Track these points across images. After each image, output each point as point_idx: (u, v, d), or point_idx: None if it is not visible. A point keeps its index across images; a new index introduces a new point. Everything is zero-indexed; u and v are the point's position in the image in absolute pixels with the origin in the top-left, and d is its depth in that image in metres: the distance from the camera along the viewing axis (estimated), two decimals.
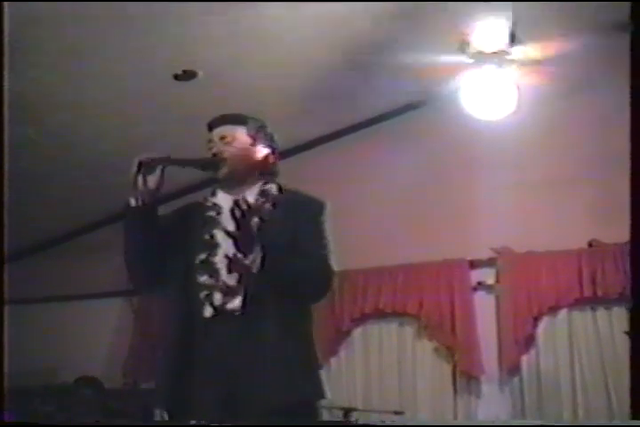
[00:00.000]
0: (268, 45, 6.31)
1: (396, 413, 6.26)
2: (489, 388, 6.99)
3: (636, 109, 3.53)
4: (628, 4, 6.45)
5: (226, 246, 3.11)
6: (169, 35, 5.95)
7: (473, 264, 7.24)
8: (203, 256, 3.19)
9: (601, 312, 6.81)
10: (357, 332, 7.48)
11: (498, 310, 7.13)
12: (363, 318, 7.43)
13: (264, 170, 3.42)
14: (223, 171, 3.31)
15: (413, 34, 6.28)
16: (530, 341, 6.92)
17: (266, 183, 3.38)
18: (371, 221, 7.31)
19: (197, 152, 7.85)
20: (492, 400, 6.95)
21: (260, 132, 3.48)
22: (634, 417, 3.77)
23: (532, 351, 6.92)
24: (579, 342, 6.80)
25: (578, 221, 6.93)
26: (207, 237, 3.24)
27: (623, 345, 6.52)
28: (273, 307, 3.09)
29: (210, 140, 3.41)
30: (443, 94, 7.06)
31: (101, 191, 8.16)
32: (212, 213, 3.31)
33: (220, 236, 3.18)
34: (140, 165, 3.16)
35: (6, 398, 4.44)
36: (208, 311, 3.11)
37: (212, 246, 3.21)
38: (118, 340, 8.41)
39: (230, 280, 3.12)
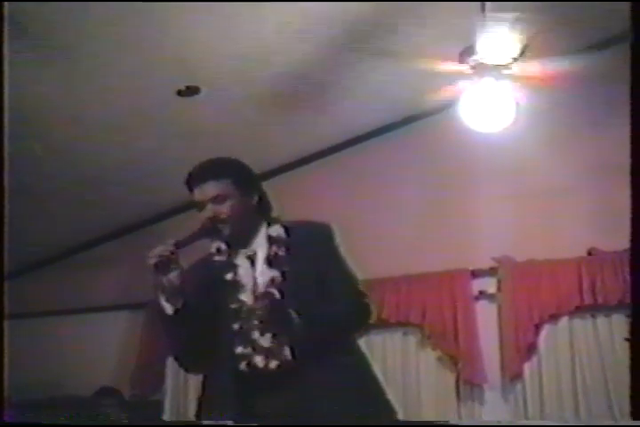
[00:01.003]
0: (270, 61, 6.36)
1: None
2: (492, 396, 7.03)
3: (635, 114, 3.57)
4: (625, 15, 6.58)
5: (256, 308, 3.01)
6: (172, 50, 6.00)
7: (474, 274, 7.28)
8: (237, 326, 3.05)
9: (601, 319, 6.85)
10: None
11: (500, 318, 7.16)
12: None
13: (261, 213, 3.23)
14: (227, 233, 3.13)
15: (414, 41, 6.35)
16: (532, 348, 6.96)
17: (269, 226, 3.20)
18: (372, 234, 7.34)
19: None
20: (495, 408, 6.98)
21: (245, 177, 3.24)
22: (634, 417, 3.79)
23: (534, 359, 6.96)
24: (580, 349, 6.84)
25: (577, 229, 6.98)
26: (236, 305, 3.08)
27: (624, 352, 6.56)
28: (317, 353, 2.98)
29: (199, 202, 3.18)
30: (442, 107, 7.10)
31: (103, 206, 8.21)
32: (231, 276, 3.14)
33: (247, 299, 3.07)
34: (156, 267, 3.00)
35: (11, 411, 4.44)
36: (247, 378, 3.01)
37: (245, 314, 3.05)
38: (123, 353, 8.44)
39: (264, 342, 3.00)
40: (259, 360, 2.99)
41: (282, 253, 3.11)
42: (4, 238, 3.97)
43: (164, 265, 3.00)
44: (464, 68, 6.06)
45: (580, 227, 6.99)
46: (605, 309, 6.82)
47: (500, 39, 5.90)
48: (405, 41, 6.27)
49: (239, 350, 3.02)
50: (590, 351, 6.81)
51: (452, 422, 6.87)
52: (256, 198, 3.21)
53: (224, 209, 3.11)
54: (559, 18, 6.38)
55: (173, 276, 3.01)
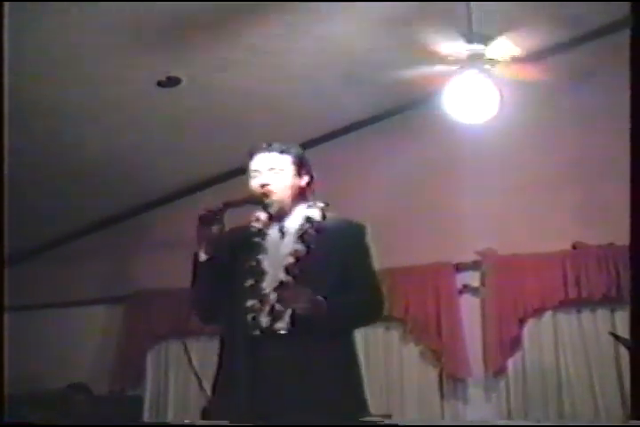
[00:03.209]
0: (252, 51, 6.31)
1: (384, 416, 6.27)
2: (475, 390, 7.00)
3: (635, 110, 3.54)
4: (610, 8, 6.57)
5: (274, 273, 3.31)
6: (153, 41, 5.95)
7: (458, 267, 7.26)
8: (251, 281, 3.33)
9: (586, 313, 6.83)
10: None
11: (483, 312, 7.14)
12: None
13: (305, 196, 3.55)
14: (271, 204, 3.41)
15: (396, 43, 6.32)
16: (515, 343, 6.93)
17: (309, 207, 3.51)
18: None
19: (182, 158, 7.90)
20: (478, 403, 6.97)
21: (303, 160, 3.61)
22: (634, 417, 3.78)
23: (518, 353, 6.94)
24: (564, 343, 6.82)
25: (561, 223, 6.96)
26: (253, 263, 3.37)
27: (608, 346, 6.57)
28: (319, 329, 3.20)
29: (255, 170, 3.50)
30: (425, 99, 7.07)
31: (86, 198, 8.16)
32: (258, 239, 3.43)
33: (267, 263, 3.36)
34: (201, 219, 3.30)
35: None
36: (253, 333, 3.25)
37: (260, 273, 3.34)
38: (104, 347, 8.40)
39: (278, 306, 3.25)
40: (265, 320, 3.25)
41: (312, 231, 3.39)
42: (4, 235, 4.00)
43: (208, 218, 3.29)
44: (449, 58, 6.03)
45: (564, 221, 6.97)
46: (590, 303, 6.80)
47: (486, 31, 5.90)
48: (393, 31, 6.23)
49: (251, 303, 3.29)
50: (575, 346, 6.79)
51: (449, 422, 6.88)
52: (306, 180, 3.55)
53: (278, 179, 3.45)
54: (545, 11, 6.36)
55: (214, 228, 3.30)
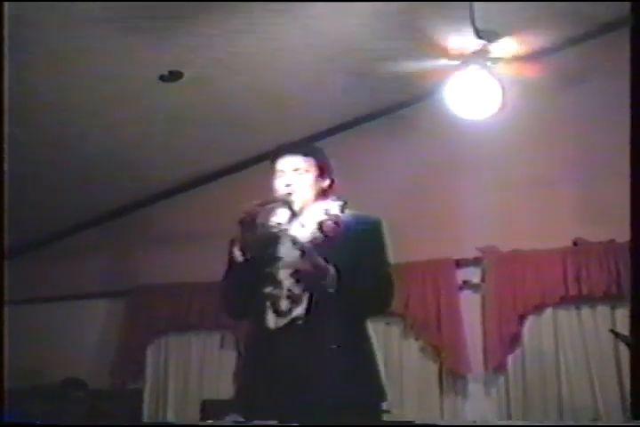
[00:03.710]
0: (254, 47, 6.31)
1: (383, 411, 6.27)
2: (475, 386, 7.01)
3: (635, 110, 3.54)
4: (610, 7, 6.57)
5: (290, 257, 3.38)
6: (155, 35, 5.94)
7: (459, 263, 7.26)
8: (268, 269, 3.43)
9: (586, 310, 6.83)
10: None
11: (483, 308, 7.14)
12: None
13: (326, 198, 3.61)
14: (297, 203, 3.49)
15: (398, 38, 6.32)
16: (515, 339, 6.94)
17: (327, 202, 3.58)
18: None
19: (183, 152, 7.91)
20: (477, 399, 6.97)
21: (326, 164, 3.67)
22: (634, 417, 3.78)
23: (518, 350, 6.94)
24: (564, 340, 6.82)
25: (562, 219, 6.96)
26: (271, 250, 3.45)
27: (608, 343, 6.57)
28: (335, 315, 3.31)
29: (280, 170, 3.57)
30: (427, 95, 7.07)
31: (88, 192, 8.16)
32: (275, 231, 3.47)
33: (283, 250, 3.44)
34: (242, 223, 3.37)
35: None
36: (273, 319, 3.35)
37: (276, 260, 3.43)
38: (104, 341, 8.41)
39: (296, 289, 3.34)
40: (284, 304, 3.34)
41: (330, 223, 3.47)
42: (4, 230, 3.99)
43: (247, 222, 3.36)
44: (453, 53, 6.03)
45: (565, 217, 6.97)
46: (590, 300, 6.80)
47: (488, 30, 5.91)
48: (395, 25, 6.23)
49: (268, 289, 3.39)
50: (575, 343, 6.79)
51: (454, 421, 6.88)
52: (327, 183, 3.63)
53: (302, 180, 3.54)
54: (546, 10, 6.36)
55: (252, 231, 3.38)
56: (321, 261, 3.27)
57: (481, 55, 5.94)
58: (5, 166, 4.65)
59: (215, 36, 6.06)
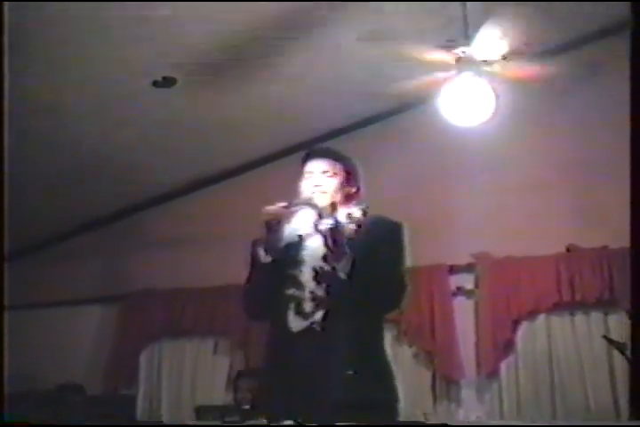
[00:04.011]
0: (248, 52, 6.33)
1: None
2: (468, 392, 7.02)
3: (635, 110, 3.55)
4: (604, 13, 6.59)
5: (311, 261, 3.44)
6: (149, 41, 5.95)
7: (452, 269, 7.27)
8: (291, 272, 3.47)
9: (579, 316, 6.85)
10: None
11: (477, 314, 7.16)
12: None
13: (350, 203, 3.65)
14: (324, 206, 3.49)
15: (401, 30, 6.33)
16: (509, 345, 6.95)
17: (352, 207, 3.57)
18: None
19: (178, 157, 7.89)
20: (470, 404, 6.99)
21: (354, 170, 3.77)
22: (634, 417, 3.79)
23: (511, 356, 6.96)
24: (557, 346, 6.84)
25: (556, 226, 6.98)
26: (294, 253, 3.50)
27: (601, 349, 6.58)
28: (352, 320, 3.34)
29: (309, 172, 3.64)
30: (421, 102, 7.07)
31: (82, 197, 8.16)
32: (300, 235, 3.54)
33: (305, 253, 3.49)
34: (267, 224, 3.41)
35: None
36: (295, 320, 3.38)
37: (299, 262, 3.48)
38: (98, 346, 8.40)
39: (319, 291, 3.38)
40: (309, 306, 3.37)
41: (352, 226, 3.43)
42: (4, 233, 3.99)
43: (273, 223, 3.41)
44: (446, 60, 6.03)
45: (558, 223, 6.99)
46: (583, 306, 6.82)
47: (484, 34, 5.90)
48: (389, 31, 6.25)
49: (291, 291, 3.43)
50: (568, 349, 6.81)
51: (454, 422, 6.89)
52: (354, 190, 3.73)
53: (330, 183, 3.62)
54: (542, 12, 6.38)
55: (278, 233, 3.44)
56: (343, 241, 3.31)
57: (474, 61, 5.94)
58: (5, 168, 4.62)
59: (210, 42, 6.08)
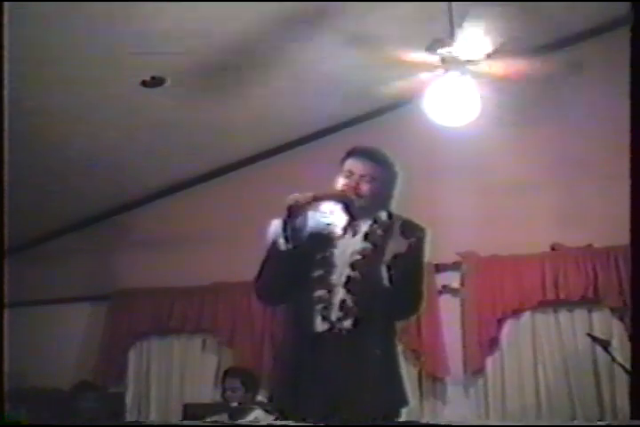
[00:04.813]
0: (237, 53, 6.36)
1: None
2: (454, 390, 7.06)
3: (635, 109, 3.58)
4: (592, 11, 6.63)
5: (342, 265, 3.45)
6: (138, 41, 5.97)
7: (438, 268, 7.26)
8: (320, 272, 3.45)
9: (563, 314, 6.90)
10: None
11: (463, 312, 7.20)
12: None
13: (384, 204, 3.65)
14: (355, 205, 3.53)
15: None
16: (494, 343, 7.00)
17: (380, 211, 3.61)
18: None
19: (165, 157, 7.88)
20: (457, 401, 7.03)
21: (393, 175, 3.71)
22: (634, 417, 3.82)
23: (497, 353, 7.00)
24: (542, 344, 6.89)
25: (541, 225, 7.03)
26: (325, 254, 3.49)
27: (585, 347, 6.63)
28: (377, 327, 3.40)
29: (349, 171, 3.60)
30: (406, 100, 7.10)
31: (69, 197, 8.16)
32: (329, 233, 3.53)
33: (336, 256, 3.47)
34: (290, 209, 3.37)
35: None
36: (321, 325, 3.39)
37: (330, 265, 3.46)
38: (87, 344, 8.40)
39: (349, 300, 3.39)
40: (335, 314, 3.38)
41: (379, 231, 3.53)
42: (4, 234, 3.99)
43: (295, 209, 3.38)
44: (431, 60, 6.06)
45: (543, 222, 7.04)
46: (568, 304, 6.87)
47: (467, 33, 5.92)
48: (374, 31, 6.26)
49: (320, 293, 3.41)
50: (552, 346, 6.86)
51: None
52: (389, 196, 3.68)
53: (366, 187, 3.56)
54: (528, 11, 6.41)
55: (300, 220, 3.41)
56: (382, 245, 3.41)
57: (459, 61, 5.96)
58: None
59: (199, 42, 6.10)
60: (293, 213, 3.37)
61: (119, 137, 7.31)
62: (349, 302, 3.37)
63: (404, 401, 3.49)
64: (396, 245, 3.44)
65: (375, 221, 3.56)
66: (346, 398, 3.28)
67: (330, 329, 3.36)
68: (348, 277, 3.40)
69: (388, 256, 3.40)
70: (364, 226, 3.54)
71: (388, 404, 3.39)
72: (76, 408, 7.04)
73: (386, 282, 3.36)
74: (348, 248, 3.47)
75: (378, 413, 3.30)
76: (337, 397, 3.29)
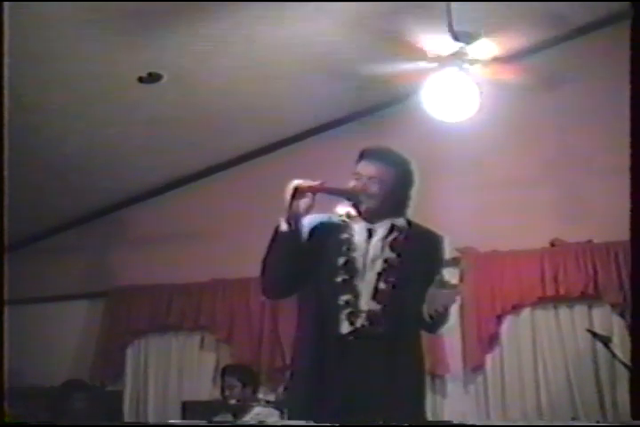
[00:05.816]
0: (233, 48, 6.33)
1: None
2: (453, 386, 7.04)
3: (635, 104, 3.57)
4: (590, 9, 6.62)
5: (363, 271, 3.41)
6: (134, 37, 5.95)
7: None
8: (345, 277, 3.40)
9: (563, 310, 6.89)
10: None
11: (462, 309, 7.15)
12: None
13: (398, 209, 3.59)
14: (365, 204, 3.47)
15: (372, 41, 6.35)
16: (493, 339, 6.99)
17: (396, 216, 3.56)
18: None
19: (163, 154, 7.87)
20: (456, 398, 7.01)
21: (406, 176, 3.64)
22: (634, 417, 3.82)
23: (496, 350, 6.99)
24: (542, 340, 6.87)
25: (541, 220, 7.01)
26: (345, 259, 3.43)
27: (585, 343, 6.61)
28: (404, 336, 3.37)
29: (358, 173, 3.55)
30: (405, 97, 7.09)
31: (66, 193, 8.14)
32: (347, 236, 3.48)
33: (357, 258, 3.43)
34: (296, 190, 3.32)
35: None
36: (346, 328, 3.35)
37: (354, 270, 3.41)
38: (85, 342, 8.38)
39: (375, 307, 3.37)
40: (361, 320, 3.34)
41: (401, 239, 3.48)
42: (4, 232, 3.98)
43: (299, 192, 3.33)
44: (430, 55, 6.05)
45: (543, 218, 7.02)
46: (568, 300, 6.85)
47: (466, 31, 5.92)
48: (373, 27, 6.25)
49: (345, 298, 3.37)
50: (552, 342, 6.84)
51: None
52: (402, 197, 3.61)
53: (374, 189, 3.49)
54: (526, 11, 6.40)
55: (303, 202, 3.34)
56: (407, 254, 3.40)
57: (458, 57, 5.96)
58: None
59: (195, 38, 6.08)
60: (298, 194, 3.32)
61: (117, 133, 7.29)
62: (377, 311, 3.35)
63: (420, 416, 3.41)
64: (413, 255, 3.44)
65: (393, 228, 3.50)
66: (366, 405, 3.23)
67: (355, 334, 3.33)
68: (376, 288, 3.37)
69: (414, 267, 3.41)
70: (380, 230, 3.49)
71: (407, 415, 3.27)
72: (67, 407, 7.02)
73: (424, 309, 3.29)
74: (369, 252, 3.43)
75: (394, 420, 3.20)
76: (358, 402, 3.24)
